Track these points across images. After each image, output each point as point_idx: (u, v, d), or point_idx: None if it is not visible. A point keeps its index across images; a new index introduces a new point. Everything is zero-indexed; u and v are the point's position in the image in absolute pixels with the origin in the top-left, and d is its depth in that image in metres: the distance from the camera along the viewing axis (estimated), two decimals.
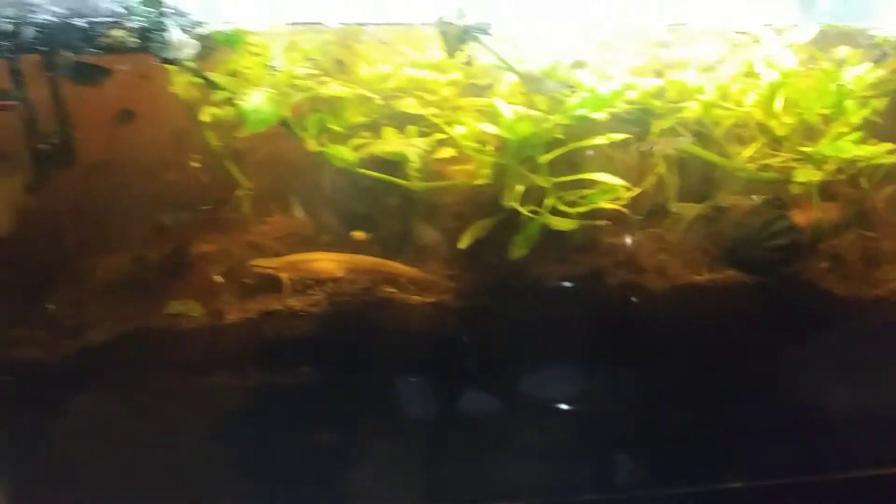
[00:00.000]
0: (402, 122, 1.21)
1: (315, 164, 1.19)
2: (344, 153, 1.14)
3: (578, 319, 1.23)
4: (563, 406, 1.29)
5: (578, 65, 1.08)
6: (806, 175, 1.20)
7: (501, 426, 1.29)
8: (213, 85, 1.03)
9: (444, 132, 1.19)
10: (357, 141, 1.19)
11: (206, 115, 1.13)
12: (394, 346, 1.19)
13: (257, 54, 1.04)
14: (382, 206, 1.22)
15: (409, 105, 1.19)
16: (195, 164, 1.20)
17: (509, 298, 1.20)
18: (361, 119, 1.18)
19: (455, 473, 1.26)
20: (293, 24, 0.99)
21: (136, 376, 1.15)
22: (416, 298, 1.19)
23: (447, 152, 1.19)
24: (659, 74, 1.19)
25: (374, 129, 1.21)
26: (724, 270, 1.25)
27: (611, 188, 1.16)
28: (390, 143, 1.13)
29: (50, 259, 1.19)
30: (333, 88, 1.14)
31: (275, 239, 1.25)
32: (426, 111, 1.19)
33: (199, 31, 0.97)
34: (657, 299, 1.23)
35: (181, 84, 1.12)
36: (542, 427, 1.28)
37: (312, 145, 1.14)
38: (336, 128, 1.15)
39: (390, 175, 1.17)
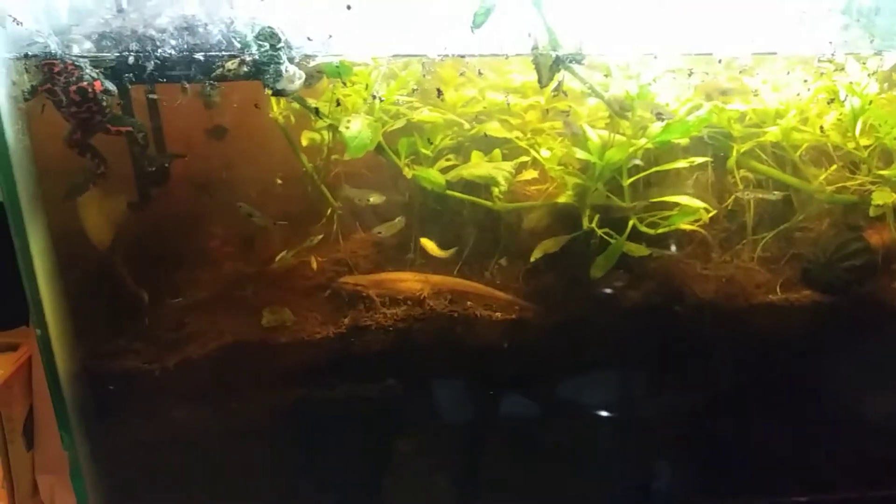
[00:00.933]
0: (483, 144, 1.25)
1: (399, 184, 1.24)
2: (433, 176, 1.19)
3: (654, 336, 1.27)
4: (633, 419, 1.33)
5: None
6: (883, 197, 1.22)
7: (573, 436, 1.33)
8: (316, 113, 1.08)
9: (527, 155, 1.23)
10: (442, 163, 1.24)
11: (305, 139, 1.18)
12: (475, 359, 1.23)
13: (357, 84, 1.09)
14: (464, 226, 1.27)
15: (494, 129, 1.23)
16: (280, 182, 1.26)
17: (586, 315, 1.24)
18: (448, 142, 1.22)
19: (534, 483, 1.30)
20: (396, 55, 1.04)
21: (233, 387, 1.21)
22: (496, 315, 1.24)
23: (529, 174, 1.23)
24: (709, 98, 1.21)
25: (457, 150, 1.26)
26: (799, 290, 1.28)
27: (692, 210, 1.19)
28: (480, 166, 1.17)
29: (148, 272, 1.24)
30: (424, 114, 1.18)
31: (361, 256, 1.30)
32: (510, 134, 1.23)
33: (308, 63, 1.01)
34: (733, 317, 1.26)
35: (279, 111, 1.18)
36: (613, 439, 1.31)
37: (404, 168, 1.19)
38: (425, 151, 1.20)
39: (472, 195, 1.22)
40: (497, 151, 1.22)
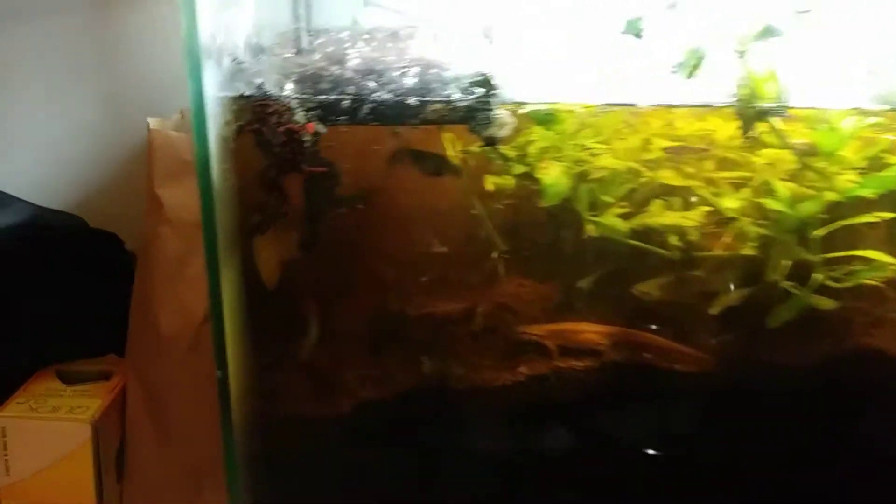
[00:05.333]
0: (655, 191, 1.23)
1: (567, 228, 1.22)
2: (616, 223, 1.17)
3: (831, 395, 1.23)
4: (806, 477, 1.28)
5: None
6: None
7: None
8: (518, 160, 1.07)
9: (708, 204, 1.21)
10: (616, 210, 1.22)
11: (490, 183, 1.17)
12: (654, 412, 1.20)
13: (560, 131, 1.08)
14: (637, 275, 1.24)
15: (671, 176, 1.21)
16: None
17: (765, 372, 1.21)
18: (624, 190, 1.20)
19: None
20: (607, 104, 1.03)
21: (409, 434, 1.18)
22: (677, 368, 1.21)
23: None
24: None
25: (629, 198, 1.24)
26: None
27: (882, 265, 1.16)
28: (666, 215, 1.15)
29: (320, 314, 1.23)
30: (606, 160, 1.17)
31: (526, 302, 1.27)
32: (689, 183, 1.21)
33: (518, 109, 1.01)
34: None
35: (455, 153, 1.17)
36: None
37: (585, 215, 1.17)
38: (607, 198, 1.18)
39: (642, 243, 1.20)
40: (676, 200, 1.20)
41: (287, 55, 1.17)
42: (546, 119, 1.02)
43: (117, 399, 1.46)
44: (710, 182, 1.23)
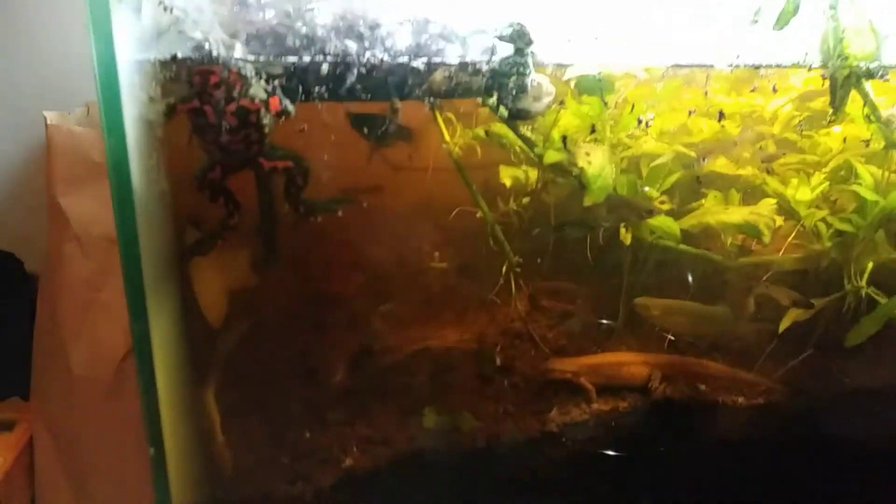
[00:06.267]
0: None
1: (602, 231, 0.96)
2: (668, 224, 0.92)
3: None
4: None
5: None
6: None
7: None
8: (529, 144, 0.79)
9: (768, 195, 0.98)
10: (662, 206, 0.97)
11: (506, 177, 0.89)
12: (717, 456, 0.96)
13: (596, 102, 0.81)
14: (685, 286, 1.00)
15: (723, 164, 0.97)
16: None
17: (846, 400, 0.99)
18: (672, 179, 0.96)
19: None
20: (675, 65, 0.77)
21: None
22: (739, 401, 0.97)
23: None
24: None
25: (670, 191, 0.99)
26: None
27: None
28: (731, 212, 0.90)
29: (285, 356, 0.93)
30: (652, 145, 0.91)
31: (548, 328, 1.01)
32: (745, 171, 0.98)
33: (562, 73, 0.74)
34: None
35: (455, 141, 0.89)
36: None
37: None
38: (653, 193, 0.93)
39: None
40: (734, 193, 0.96)
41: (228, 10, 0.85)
42: (597, 87, 0.75)
43: (23, 454, 1.21)
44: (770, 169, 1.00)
